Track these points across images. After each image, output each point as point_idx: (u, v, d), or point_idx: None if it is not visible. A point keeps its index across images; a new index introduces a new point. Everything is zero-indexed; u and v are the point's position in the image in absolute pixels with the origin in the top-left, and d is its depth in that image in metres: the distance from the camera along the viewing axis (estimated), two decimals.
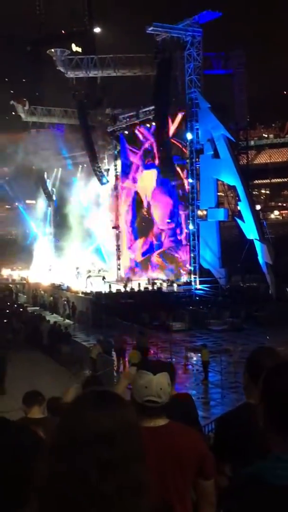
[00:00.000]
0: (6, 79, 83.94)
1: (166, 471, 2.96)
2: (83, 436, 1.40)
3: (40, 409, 6.06)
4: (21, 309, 44.34)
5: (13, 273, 66.12)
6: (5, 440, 2.98)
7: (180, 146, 43.30)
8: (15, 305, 46.76)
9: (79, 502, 1.35)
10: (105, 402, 1.49)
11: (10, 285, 60.30)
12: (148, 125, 45.05)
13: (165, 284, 41.45)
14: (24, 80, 72.63)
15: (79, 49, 55.65)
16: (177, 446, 3.03)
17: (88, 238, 55.62)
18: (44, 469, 1.45)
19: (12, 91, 70.40)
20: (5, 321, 34.80)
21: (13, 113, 59.55)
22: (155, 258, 45.83)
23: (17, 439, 3.06)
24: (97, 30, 59.93)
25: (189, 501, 3.04)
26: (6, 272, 67.67)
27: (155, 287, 40.72)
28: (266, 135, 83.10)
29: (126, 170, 49.25)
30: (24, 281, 58.64)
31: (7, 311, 41.52)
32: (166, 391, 3.14)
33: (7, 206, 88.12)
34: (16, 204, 79.75)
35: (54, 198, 62.74)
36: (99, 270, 49.40)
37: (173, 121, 41.99)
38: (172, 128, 42.05)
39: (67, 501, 1.36)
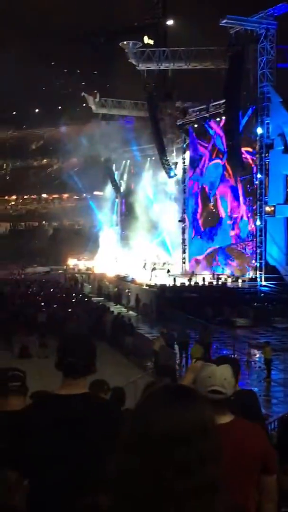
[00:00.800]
0: (78, 71, 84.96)
1: (232, 469, 2.93)
2: (156, 435, 1.34)
3: (106, 398, 6.10)
4: (86, 299, 44.89)
5: (79, 263, 67.01)
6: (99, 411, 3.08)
7: (250, 140, 42.76)
8: (80, 295, 47.35)
9: (152, 500, 1.33)
10: (180, 399, 1.42)
11: (76, 275, 61.13)
12: (218, 119, 44.68)
13: (230, 280, 41.11)
14: (95, 72, 73.29)
15: (151, 42, 55.58)
16: (243, 444, 2.99)
17: (154, 230, 55.76)
18: (117, 462, 1.42)
19: (83, 83, 71.07)
20: (70, 310, 35.29)
21: (84, 104, 60.13)
22: (220, 253, 45.49)
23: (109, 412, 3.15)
24: (169, 22, 59.66)
25: (254, 500, 3.00)
26: (72, 262, 68.66)
27: (220, 282, 40.44)
28: None
29: (194, 163, 49.03)
30: (90, 272, 59.29)
31: (73, 300, 42.11)
32: (230, 382, 3.11)
33: (75, 197, 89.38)
34: (84, 195, 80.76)
35: (121, 189, 63.16)
36: (164, 263, 49.42)
37: (243, 116, 41.48)
38: (242, 122, 41.54)
39: (140, 498, 1.34)
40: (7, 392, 3.67)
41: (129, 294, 42.47)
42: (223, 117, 42.07)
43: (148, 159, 58.27)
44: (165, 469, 1.32)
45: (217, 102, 43.47)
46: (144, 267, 48.79)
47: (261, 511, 3.05)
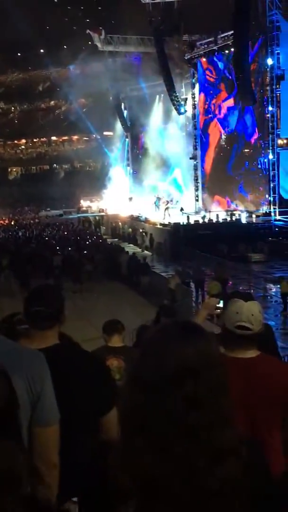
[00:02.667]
0: (82, 8, 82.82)
1: (255, 403, 2.95)
2: (167, 369, 1.38)
3: (120, 337, 6.18)
4: (100, 240, 45.08)
5: (92, 205, 66.99)
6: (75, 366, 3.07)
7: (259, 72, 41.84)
8: (94, 237, 47.55)
9: (165, 435, 1.36)
10: (189, 333, 1.46)
11: (90, 217, 61.24)
12: (226, 51, 43.68)
13: (243, 215, 40.94)
14: (99, 8, 71.40)
15: None
16: (271, 378, 3.00)
17: (165, 168, 55.40)
18: (126, 400, 1.45)
19: (87, 20, 69.38)
20: (85, 252, 35.49)
21: (89, 42, 58.88)
22: (232, 188, 45.17)
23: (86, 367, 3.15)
24: None
25: (278, 435, 3.02)
26: (85, 203, 68.67)
27: (234, 218, 40.33)
28: None
29: (203, 98, 48.22)
30: (103, 213, 59.33)
31: (87, 242, 42.31)
32: (258, 318, 3.10)
33: (85, 138, 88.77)
34: (94, 136, 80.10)
35: (131, 128, 62.47)
36: (177, 201, 49.25)
37: (252, 46, 40.48)
38: (252, 53, 40.57)
39: (151, 434, 1.37)
40: (17, 335, 3.70)
41: (143, 234, 42.54)
42: (232, 49, 41.08)
43: (157, 96, 57.31)
44: (176, 402, 1.35)
45: (225, 34, 42.46)
46: (155, 204, 48.69)
47: (286, 448, 3.07)
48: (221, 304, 4.21)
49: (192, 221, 40.42)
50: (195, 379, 1.38)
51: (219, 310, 4.10)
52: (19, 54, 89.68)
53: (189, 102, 49.78)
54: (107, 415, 2.93)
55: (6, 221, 69.41)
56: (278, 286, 23.50)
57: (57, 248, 37.80)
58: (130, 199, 55.69)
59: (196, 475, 1.35)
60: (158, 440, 1.37)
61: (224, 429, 1.39)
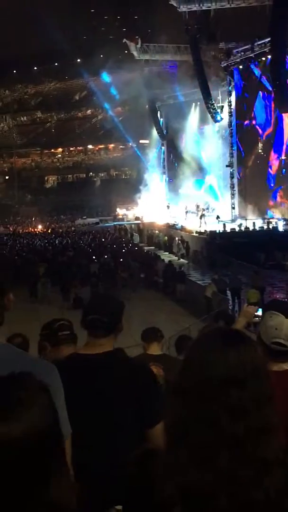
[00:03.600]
0: (118, 17, 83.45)
1: None
2: (211, 378, 1.37)
3: (159, 346, 6.17)
4: (136, 248, 45.11)
5: (128, 213, 67.09)
6: (123, 374, 3.07)
7: None
8: (130, 245, 47.61)
9: (209, 446, 1.35)
10: (234, 341, 1.44)
11: (126, 225, 61.38)
12: (263, 58, 43.46)
13: (280, 223, 40.54)
14: (136, 17, 71.86)
15: None
16: None
17: (201, 176, 55.24)
18: (170, 410, 1.44)
19: (124, 29, 69.83)
20: (121, 260, 35.54)
21: (126, 51, 59.17)
22: (269, 195, 44.84)
23: (135, 375, 3.14)
24: None
25: None
26: (121, 211, 68.80)
27: (270, 226, 39.99)
28: None
29: (240, 106, 48.03)
30: (139, 221, 59.38)
31: (123, 250, 42.38)
32: None
33: (121, 147, 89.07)
34: (130, 144, 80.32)
35: (167, 136, 62.48)
36: (213, 209, 49.02)
37: None
38: None
39: (196, 443, 1.36)
40: (58, 341, 3.73)
41: (179, 242, 42.45)
42: (269, 56, 40.86)
43: (193, 103, 57.19)
44: (221, 412, 1.34)
45: (262, 41, 42.21)
46: (186, 211, 48.56)
47: None
48: (259, 312, 4.17)
49: (228, 229, 40.19)
50: (240, 388, 1.36)
51: (257, 318, 4.06)
52: (56, 64, 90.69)
53: (226, 109, 49.56)
54: (154, 428, 2.92)
55: (44, 229, 70.01)
56: None
57: (93, 256, 37.97)
58: (168, 207, 55.63)
59: (241, 487, 1.33)
60: (202, 451, 1.35)
61: (269, 439, 1.37)
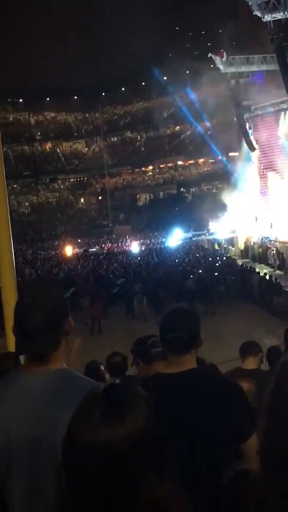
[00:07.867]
0: (203, 32, 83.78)
1: None
2: None
3: (255, 360, 6.06)
4: (230, 261, 44.79)
5: (220, 226, 66.70)
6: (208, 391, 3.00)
7: None
8: (225, 258, 47.33)
9: None
10: None
11: (219, 238, 61.11)
12: None
13: None
14: (220, 31, 71.89)
15: None
16: None
17: None
18: (265, 433, 1.38)
19: (209, 44, 69.98)
20: (216, 274, 35.35)
21: (211, 65, 59.22)
22: None
23: (223, 392, 3.06)
24: None
25: None
26: (214, 225, 68.52)
27: None
28: None
29: None
30: (232, 234, 58.97)
31: (217, 264, 42.16)
32: None
33: (210, 161, 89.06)
34: (220, 157, 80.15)
35: (257, 147, 61.86)
36: None
37: None
38: None
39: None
40: (151, 358, 3.71)
41: (274, 253, 41.77)
42: None
43: (282, 113, 56.43)
44: None
45: None
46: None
47: None
48: None
49: None
50: None
51: None
52: (143, 83, 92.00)
53: None
54: (247, 441, 2.86)
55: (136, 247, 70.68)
56: None
57: (188, 270, 37.96)
58: (256, 218, 54.97)
59: None
60: None
61: None
